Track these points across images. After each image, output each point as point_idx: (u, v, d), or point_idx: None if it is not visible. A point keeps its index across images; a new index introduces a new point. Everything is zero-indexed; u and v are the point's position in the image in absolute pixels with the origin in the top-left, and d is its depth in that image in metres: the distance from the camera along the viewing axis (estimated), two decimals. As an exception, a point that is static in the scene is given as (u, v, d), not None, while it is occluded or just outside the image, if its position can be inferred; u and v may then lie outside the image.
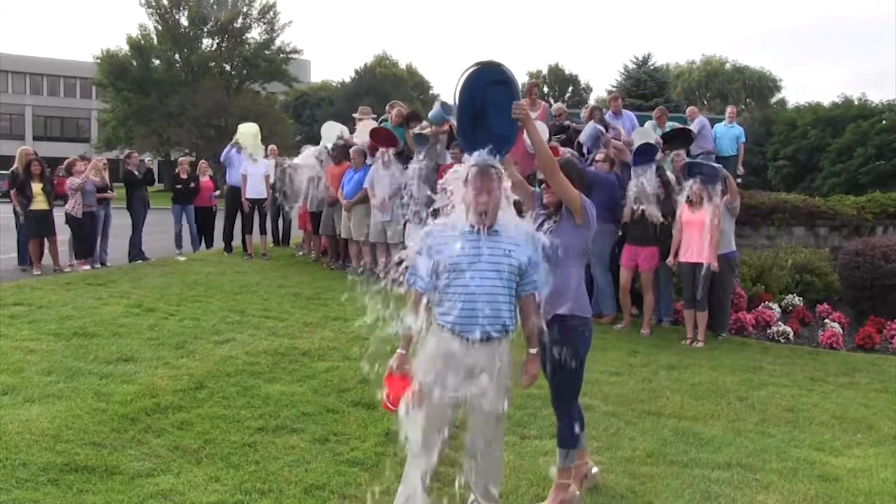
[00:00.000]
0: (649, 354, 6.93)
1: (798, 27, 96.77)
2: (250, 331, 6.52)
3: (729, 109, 12.12)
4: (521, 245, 3.13)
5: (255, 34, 43.92)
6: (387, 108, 10.80)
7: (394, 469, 3.78)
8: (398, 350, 3.18)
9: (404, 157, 9.84)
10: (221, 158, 12.23)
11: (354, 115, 11.65)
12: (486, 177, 3.06)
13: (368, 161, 10.02)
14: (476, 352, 3.10)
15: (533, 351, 3.34)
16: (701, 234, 7.47)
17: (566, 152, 8.61)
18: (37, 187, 9.89)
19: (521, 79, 64.57)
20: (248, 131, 12.10)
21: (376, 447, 4.08)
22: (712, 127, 11.66)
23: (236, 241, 12.31)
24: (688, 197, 7.62)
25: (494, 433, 3.22)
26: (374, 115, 11.74)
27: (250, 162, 11.68)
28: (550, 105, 11.40)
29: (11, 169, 10.44)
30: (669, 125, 10.73)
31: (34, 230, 9.99)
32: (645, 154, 8.08)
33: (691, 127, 10.64)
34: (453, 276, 3.07)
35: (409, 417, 3.11)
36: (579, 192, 3.45)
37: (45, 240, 10.12)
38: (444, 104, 9.77)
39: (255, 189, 11.67)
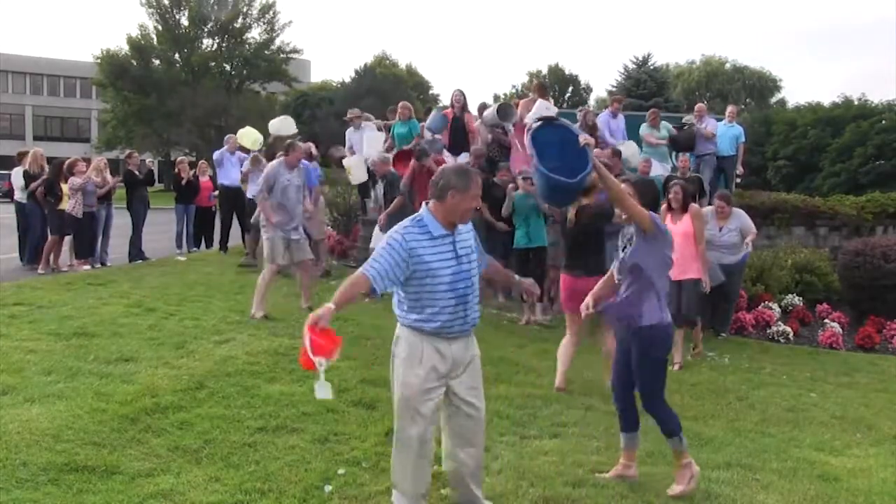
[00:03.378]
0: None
1: (798, 27, 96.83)
2: (250, 331, 6.51)
3: (729, 109, 12.07)
4: (469, 232, 3.30)
5: (255, 34, 43.99)
6: (388, 113, 10.76)
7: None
8: (328, 304, 3.00)
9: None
10: (215, 157, 12.14)
11: (347, 116, 11.51)
12: (477, 182, 3.19)
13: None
14: (455, 348, 3.20)
15: (515, 276, 3.69)
16: (684, 246, 6.45)
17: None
18: (65, 187, 10.01)
19: (521, 79, 64.46)
20: (248, 133, 12.04)
21: (376, 447, 4.08)
22: None
23: (232, 242, 12.31)
24: (668, 203, 6.82)
25: (477, 429, 3.30)
26: (378, 123, 11.62)
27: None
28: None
29: (24, 168, 10.55)
30: (664, 125, 10.77)
31: (58, 228, 10.06)
32: None
33: (701, 126, 10.63)
34: (435, 282, 3.11)
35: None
36: (648, 211, 3.74)
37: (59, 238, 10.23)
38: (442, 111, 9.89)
39: (257, 189, 11.55)
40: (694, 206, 7.00)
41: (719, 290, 7.62)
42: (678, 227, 6.60)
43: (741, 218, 7.82)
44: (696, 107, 11.60)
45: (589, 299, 4.01)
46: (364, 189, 11.34)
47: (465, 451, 3.27)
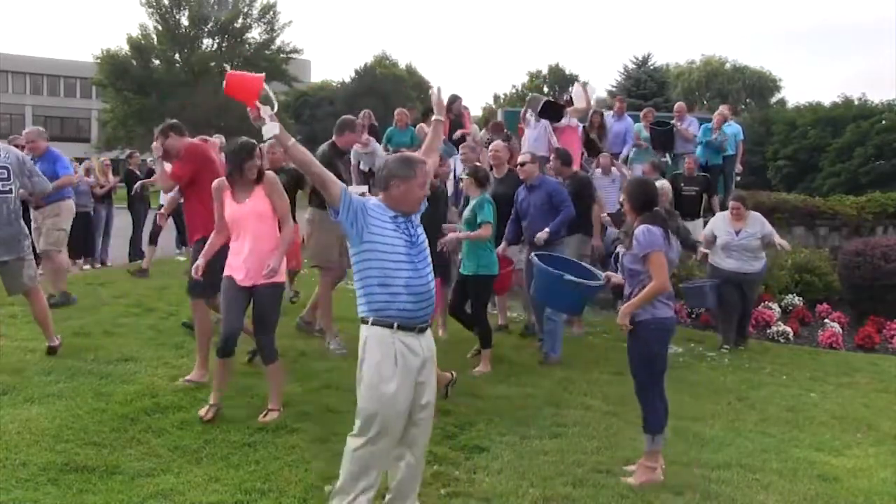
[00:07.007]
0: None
1: (798, 27, 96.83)
2: (250, 331, 6.50)
3: (725, 108, 12.02)
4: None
5: (255, 34, 43.88)
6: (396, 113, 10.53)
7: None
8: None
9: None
10: None
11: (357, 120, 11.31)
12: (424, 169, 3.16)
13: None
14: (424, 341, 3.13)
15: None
16: None
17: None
18: None
19: (521, 79, 64.25)
20: None
21: (376, 447, 4.07)
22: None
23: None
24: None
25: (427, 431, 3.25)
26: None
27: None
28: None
29: None
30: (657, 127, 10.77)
31: None
32: None
33: (681, 125, 10.59)
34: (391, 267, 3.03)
35: None
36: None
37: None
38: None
39: None
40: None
41: (740, 303, 7.24)
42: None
43: (762, 224, 7.34)
44: (676, 106, 11.41)
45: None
46: None
47: (406, 450, 3.27)
